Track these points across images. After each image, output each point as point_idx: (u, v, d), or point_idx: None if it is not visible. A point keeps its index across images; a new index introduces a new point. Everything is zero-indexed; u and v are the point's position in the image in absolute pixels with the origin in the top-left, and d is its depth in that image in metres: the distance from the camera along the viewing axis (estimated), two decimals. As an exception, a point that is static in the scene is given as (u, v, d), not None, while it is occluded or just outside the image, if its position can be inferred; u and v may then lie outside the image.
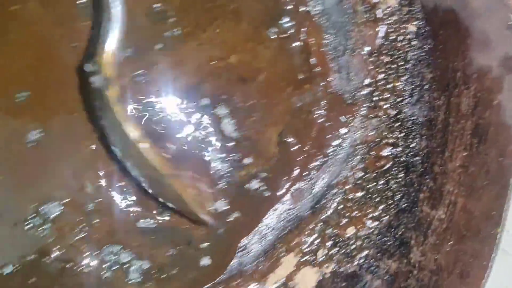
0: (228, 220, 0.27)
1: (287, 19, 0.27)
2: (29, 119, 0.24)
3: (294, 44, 0.27)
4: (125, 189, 0.25)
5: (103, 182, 0.25)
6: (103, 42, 0.23)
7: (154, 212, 0.26)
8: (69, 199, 0.24)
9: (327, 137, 0.28)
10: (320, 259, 0.27)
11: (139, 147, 0.23)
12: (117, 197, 0.25)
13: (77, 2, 0.24)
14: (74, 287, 0.26)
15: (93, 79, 0.22)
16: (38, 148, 0.24)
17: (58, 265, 0.25)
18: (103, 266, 0.25)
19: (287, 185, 0.28)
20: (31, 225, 0.24)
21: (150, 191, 0.24)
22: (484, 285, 0.22)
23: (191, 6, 0.26)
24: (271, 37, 0.27)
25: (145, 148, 0.23)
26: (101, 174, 0.25)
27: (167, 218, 0.26)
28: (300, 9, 0.27)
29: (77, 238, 0.25)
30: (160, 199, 0.25)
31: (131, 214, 0.26)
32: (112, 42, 0.23)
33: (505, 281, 0.29)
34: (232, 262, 0.27)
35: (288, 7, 0.27)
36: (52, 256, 0.25)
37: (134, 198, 0.25)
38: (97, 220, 0.26)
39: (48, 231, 0.24)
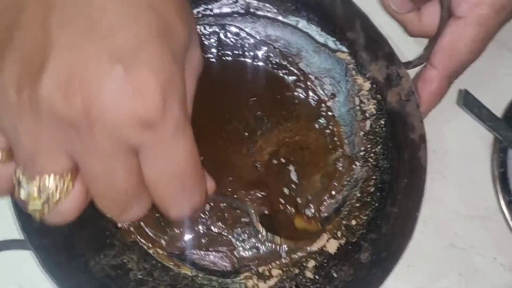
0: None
1: (322, 119, 0.50)
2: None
3: (326, 131, 0.50)
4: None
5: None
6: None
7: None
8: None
9: (344, 177, 0.49)
10: (339, 235, 0.47)
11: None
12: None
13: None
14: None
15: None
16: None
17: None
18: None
19: (326, 200, 0.50)
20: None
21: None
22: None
23: (278, 114, 0.49)
24: (316, 127, 0.51)
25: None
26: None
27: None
28: (329, 113, 0.50)
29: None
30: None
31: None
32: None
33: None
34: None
35: (323, 113, 0.49)
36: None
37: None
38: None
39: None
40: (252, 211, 0.46)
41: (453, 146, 0.51)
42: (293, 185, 0.49)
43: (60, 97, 0.20)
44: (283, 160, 0.49)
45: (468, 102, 0.45)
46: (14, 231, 0.42)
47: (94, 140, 0.21)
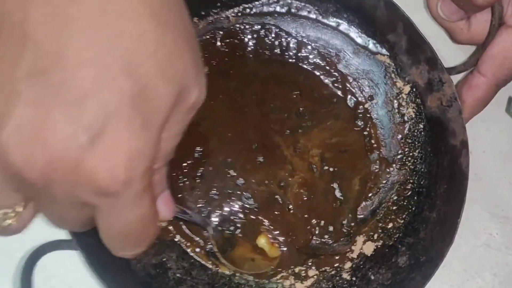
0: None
1: (360, 121, 0.50)
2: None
3: (363, 133, 0.50)
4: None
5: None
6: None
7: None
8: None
9: (380, 179, 0.49)
10: (375, 238, 0.47)
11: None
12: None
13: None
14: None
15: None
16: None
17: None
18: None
19: (362, 202, 0.49)
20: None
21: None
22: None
23: (318, 111, 0.49)
24: (354, 129, 0.51)
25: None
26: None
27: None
28: (366, 115, 0.50)
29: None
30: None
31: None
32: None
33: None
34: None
35: (360, 115, 0.50)
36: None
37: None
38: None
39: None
40: (213, 241, 0.45)
41: (490, 147, 0.52)
42: (337, 202, 0.49)
43: (20, 154, 0.20)
44: (331, 169, 0.49)
45: (516, 109, 0.46)
46: (61, 232, 0.42)
47: (49, 195, 0.22)
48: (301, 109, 0.50)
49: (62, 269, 0.43)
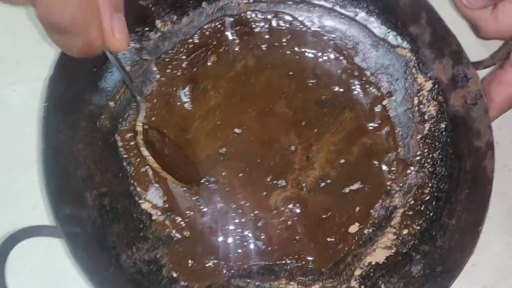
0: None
1: (377, 119, 0.47)
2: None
3: (381, 132, 0.47)
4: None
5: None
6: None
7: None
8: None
9: (396, 181, 0.45)
10: (388, 245, 0.44)
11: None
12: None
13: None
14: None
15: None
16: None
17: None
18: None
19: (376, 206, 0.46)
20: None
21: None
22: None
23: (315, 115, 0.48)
24: (368, 129, 0.47)
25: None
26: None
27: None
28: (384, 113, 0.46)
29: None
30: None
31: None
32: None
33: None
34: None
35: (377, 112, 0.46)
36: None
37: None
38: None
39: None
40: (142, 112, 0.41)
41: (518, 136, 0.47)
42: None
43: None
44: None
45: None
46: (44, 217, 0.39)
47: None
48: (322, 97, 0.47)
49: (39, 258, 0.40)
